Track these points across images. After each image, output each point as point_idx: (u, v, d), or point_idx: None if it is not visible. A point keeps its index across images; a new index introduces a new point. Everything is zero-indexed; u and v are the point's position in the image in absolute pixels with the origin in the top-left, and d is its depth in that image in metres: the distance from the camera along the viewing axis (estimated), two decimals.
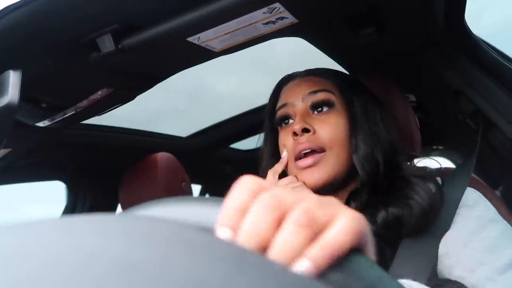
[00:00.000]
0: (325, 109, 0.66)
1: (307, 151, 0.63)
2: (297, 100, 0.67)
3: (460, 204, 0.59)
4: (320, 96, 0.66)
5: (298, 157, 0.63)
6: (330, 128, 0.64)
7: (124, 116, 1.09)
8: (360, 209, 0.60)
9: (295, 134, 0.64)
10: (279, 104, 0.70)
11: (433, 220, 0.57)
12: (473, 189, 0.63)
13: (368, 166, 0.62)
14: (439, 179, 0.66)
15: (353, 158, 0.63)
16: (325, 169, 0.62)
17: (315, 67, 0.74)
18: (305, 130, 0.63)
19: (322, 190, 0.63)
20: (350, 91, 0.68)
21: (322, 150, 0.63)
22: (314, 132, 0.64)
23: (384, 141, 0.65)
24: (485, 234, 0.54)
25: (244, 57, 0.85)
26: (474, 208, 0.59)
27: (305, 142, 0.63)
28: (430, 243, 0.56)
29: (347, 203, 0.63)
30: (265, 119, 0.75)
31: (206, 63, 0.79)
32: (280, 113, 0.69)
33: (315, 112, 0.66)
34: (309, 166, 0.62)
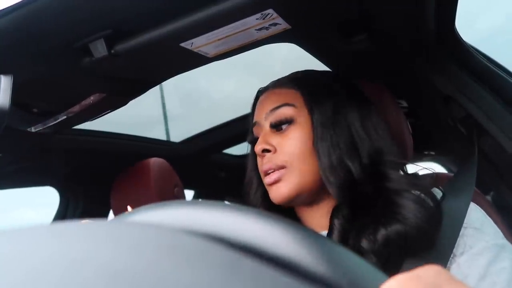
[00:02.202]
0: (284, 126, 0.66)
1: (270, 171, 0.64)
2: (261, 119, 0.68)
3: (466, 224, 0.57)
4: (279, 113, 0.66)
5: (264, 175, 0.65)
6: (289, 144, 0.64)
7: (117, 121, 1.08)
8: (345, 226, 0.59)
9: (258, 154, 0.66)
10: (253, 120, 0.71)
11: (434, 236, 0.55)
12: (475, 205, 0.62)
13: (333, 177, 0.60)
14: (437, 190, 0.64)
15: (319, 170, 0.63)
16: (288, 184, 0.63)
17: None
18: (265, 151, 0.65)
19: (293, 202, 0.65)
20: (315, 98, 0.66)
21: (282, 167, 0.63)
22: (275, 151, 0.64)
23: (363, 147, 0.62)
24: (500, 266, 0.53)
25: (240, 61, 0.85)
26: (483, 231, 0.57)
27: (267, 162, 0.64)
28: (435, 263, 0.54)
29: (331, 221, 0.61)
30: (250, 130, 0.75)
31: (200, 67, 0.79)
32: (253, 132, 0.71)
33: (276, 131, 0.67)
34: (275, 182, 0.63)
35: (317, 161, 0.62)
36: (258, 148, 0.65)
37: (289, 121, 0.65)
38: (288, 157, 0.63)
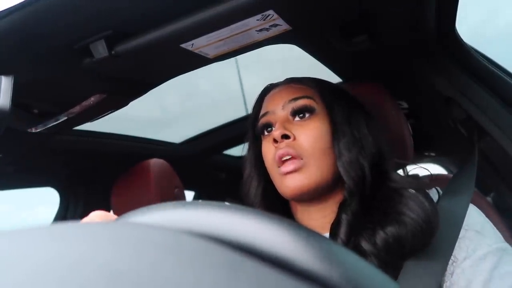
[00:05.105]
0: (306, 115, 0.66)
1: (286, 157, 0.62)
2: (278, 108, 0.68)
3: (466, 226, 0.57)
4: (301, 102, 0.66)
5: (280, 164, 0.63)
6: (310, 134, 0.64)
7: (118, 121, 1.08)
8: (351, 222, 0.59)
9: (275, 141, 0.64)
10: (261, 113, 0.71)
11: (432, 236, 0.55)
12: (474, 206, 0.62)
13: (353, 172, 0.61)
14: (434, 190, 0.65)
15: (337, 165, 0.63)
16: (307, 175, 0.62)
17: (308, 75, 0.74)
18: (285, 136, 0.64)
19: (306, 195, 0.63)
20: (331, 97, 0.68)
21: (300, 157, 0.62)
22: (294, 139, 0.64)
23: (369, 148, 0.64)
24: (503, 270, 0.54)
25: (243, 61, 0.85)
26: (484, 234, 0.57)
27: (284, 147, 0.63)
28: (435, 265, 0.54)
29: (339, 215, 0.62)
30: (248, 128, 0.75)
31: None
32: (261, 121, 0.70)
33: (296, 118, 0.66)
34: (292, 172, 0.62)
35: (335, 157, 0.63)
36: (278, 132, 0.63)
37: (311, 110, 0.66)
38: (309, 146, 0.63)
